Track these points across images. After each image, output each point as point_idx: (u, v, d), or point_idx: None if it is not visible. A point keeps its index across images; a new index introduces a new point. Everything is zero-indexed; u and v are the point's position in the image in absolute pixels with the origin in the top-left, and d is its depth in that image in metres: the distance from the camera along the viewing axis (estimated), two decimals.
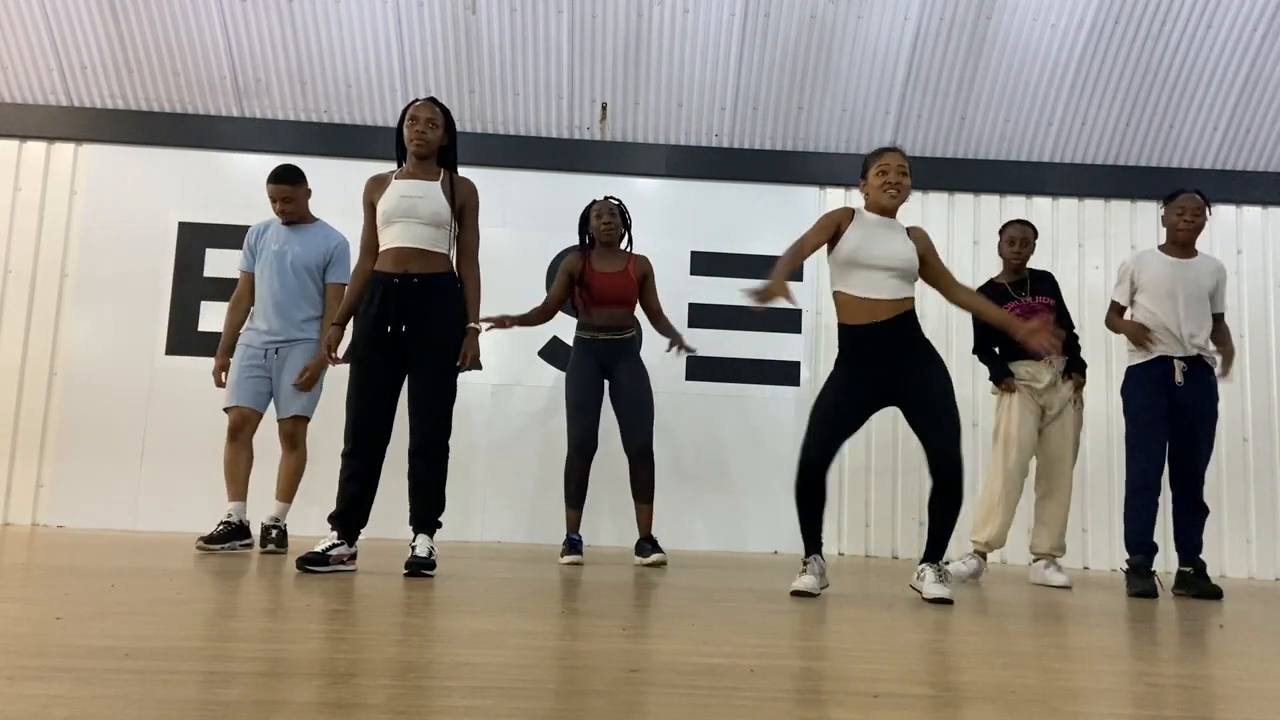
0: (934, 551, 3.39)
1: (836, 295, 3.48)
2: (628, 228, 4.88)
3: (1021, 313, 4.61)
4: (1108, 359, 6.34)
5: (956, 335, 6.16)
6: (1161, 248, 4.50)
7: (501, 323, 4.44)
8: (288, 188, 4.49)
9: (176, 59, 6.26)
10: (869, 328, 3.38)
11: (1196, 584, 4.21)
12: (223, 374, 4.51)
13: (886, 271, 3.39)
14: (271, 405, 4.51)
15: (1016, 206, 6.50)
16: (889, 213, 3.51)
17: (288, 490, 4.45)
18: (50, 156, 6.31)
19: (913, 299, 3.46)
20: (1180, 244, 4.43)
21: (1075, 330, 4.92)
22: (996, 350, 4.79)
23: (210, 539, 4.27)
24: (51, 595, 2.43)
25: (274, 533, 4.34)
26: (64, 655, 1.61)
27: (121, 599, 2.41)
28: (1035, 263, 4.88)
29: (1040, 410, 4.73)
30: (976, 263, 6.38)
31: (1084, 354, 4.98)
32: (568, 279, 4.79)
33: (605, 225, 4.77)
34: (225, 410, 4.45)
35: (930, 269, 3.53)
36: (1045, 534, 4.75)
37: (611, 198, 4.91)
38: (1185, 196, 4.42)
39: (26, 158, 6.30)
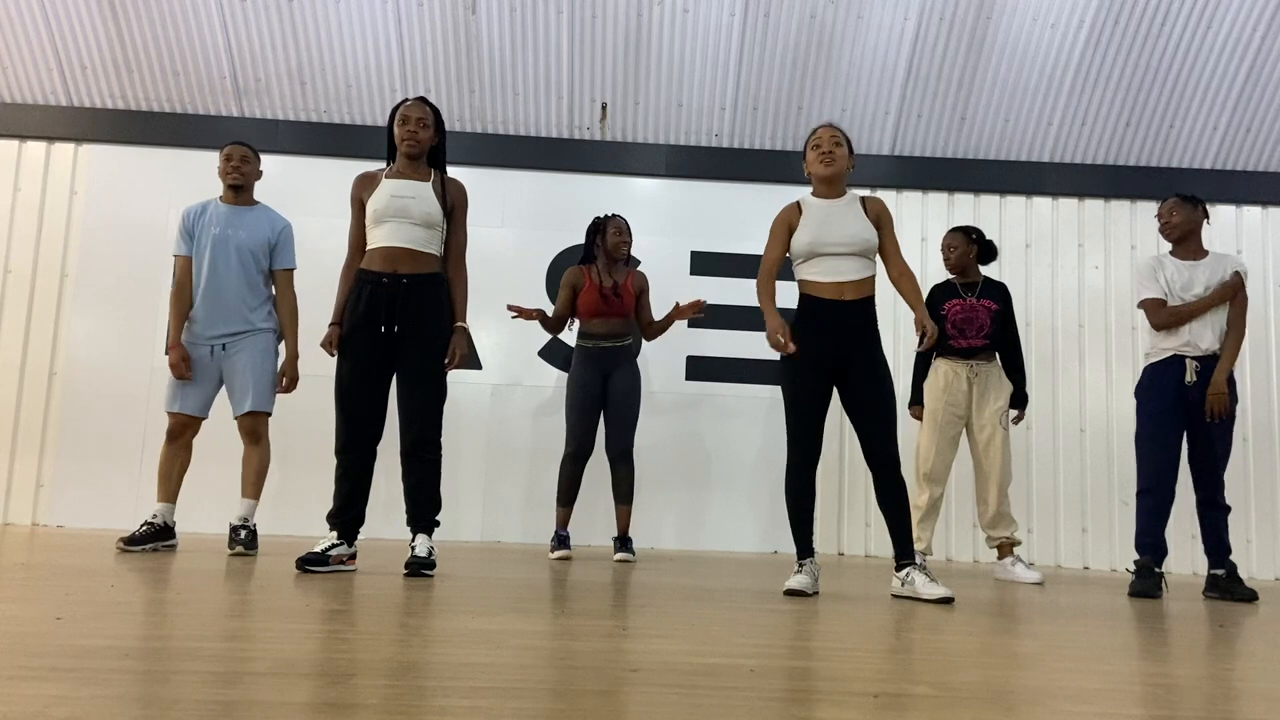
0: (906, 550, 3.37)
1: (801, 283, 3.47)
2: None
3: (960, 311, 4.78)
4: (1106, 360, 6.35)
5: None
6: (1172, 252, 4.51)
7: (530, 315, 4.76)
8: (248, 149, 4.39)
9: (176, 59, 6.26)
10: (835, 304, 3.38)
11: (1230, 587, 4.17)
12: (184, 364, 4.20)
13: (848, 255, 3.39)
14: (219, 404, 4.32)
15: (1017, 206, 6.51)
16: (834, 186, 3.49)
17: (255, 487, 4.23)
18: (50, 156, 6.31)
19: (874, 278, 3.46)
20: (1180, 245, 4.44)
21: (1021, 350, 4.96)
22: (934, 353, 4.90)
23: (132, 540, 4.10)
24: (51, 595, 2.43)
25: (243, 533, 4.13)
26: (64, 655, 1.61)
27: (121, 599, 2.41)
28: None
29: (958, 422, 4.81)
30: None
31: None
32: (571, 292, 4.99)
33: (624, 242, 5.00)
34: (168, 412, 4.25)
35: (882, 232, 3.49)
36: (984, 511, 4.82)
37: (619, 215, 5.12)
38: (1162, 203, 4.51)
39: (26, 158, 6.30)
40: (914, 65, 6.29)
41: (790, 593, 3.28)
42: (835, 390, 3.45)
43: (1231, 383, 4.29)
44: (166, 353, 4.31)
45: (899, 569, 3.39)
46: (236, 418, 4.27)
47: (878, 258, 3.51)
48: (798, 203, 3.53)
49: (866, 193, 3.62)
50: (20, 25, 6.15)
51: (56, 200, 6.27)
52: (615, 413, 4.90)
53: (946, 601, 3.22)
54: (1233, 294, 4.31)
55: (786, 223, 3.49)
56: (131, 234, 6.21)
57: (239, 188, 4.37)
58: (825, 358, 3.36)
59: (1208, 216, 4.46)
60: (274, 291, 4.41)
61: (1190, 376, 4.26)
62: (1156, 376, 4.35)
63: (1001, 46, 6.27)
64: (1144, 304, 4.43)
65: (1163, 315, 4.34)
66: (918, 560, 3.42)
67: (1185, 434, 4.33)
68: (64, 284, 6.20)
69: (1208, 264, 4.36)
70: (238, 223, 4.32)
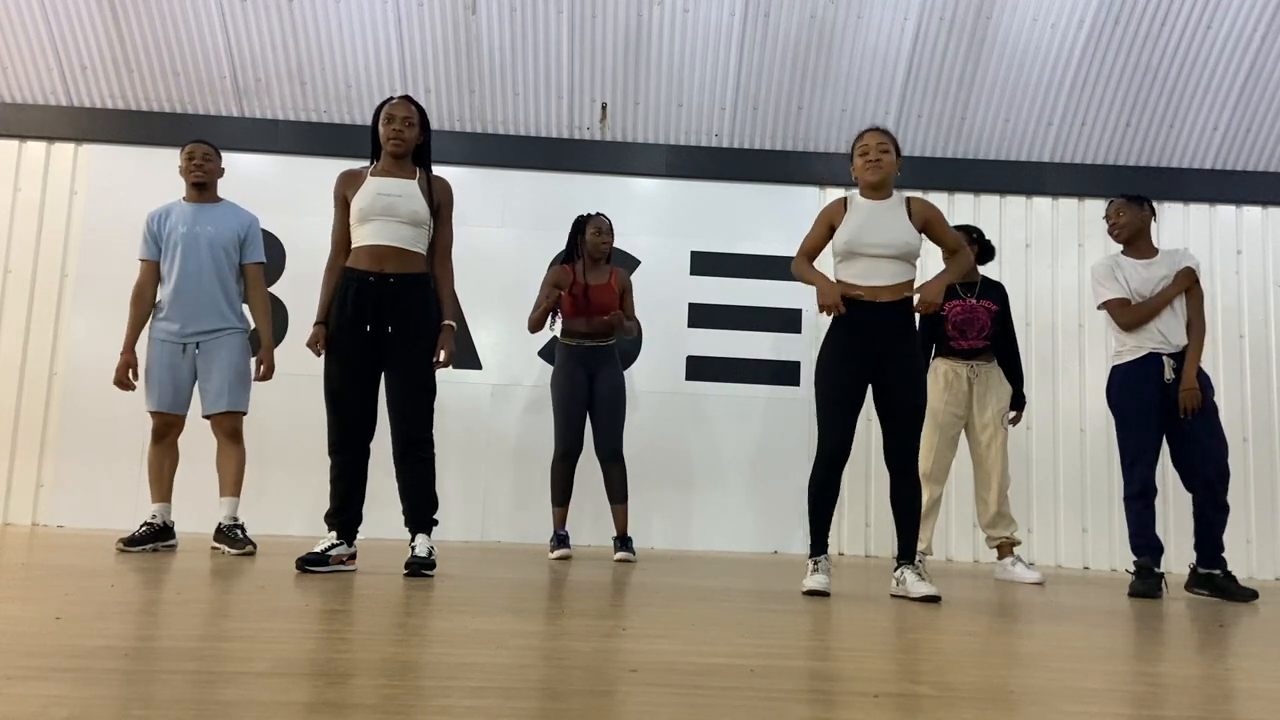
0: (906, 551, 3.41)
1: (839, 283, 3.48)
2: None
3: (960, 312, 4.79)
4: (1107, 360, 6.33)
5: None
6: (1124, 253, 4.51)
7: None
8: (209, 147, 4.39)
9: (176, 59, 6.26)
10: (870, 305, 3.40)
11: (1228, 587, 4.14)
12: (129, 371, 4.21)
13: (885, 258, 3.40)
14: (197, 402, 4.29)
15: (1017, 206, 6.51)
16: (881, 190, 3.50)
17: (236, 486, 4.23)
18: (50, 156, 6.31)
19: (912, 281, 3.47)
20: (1131, 246, 4.45)
21: (1019, 351, 4.96)
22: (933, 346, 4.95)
23: (131, 540, 4.11)
24: (51, 595, 2.43)
25: (237, 532, 4.16)
26: (64, 655, 1.61)
27: (121, 599, 2.41)
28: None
29: (958, 422, 4.84)
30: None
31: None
32: (555, 290, 4.93)
33: (604, 242, 4.96)
34: (150, 413, 4.24)
35: (934, 233, 3.54)
36: (984, 511, 4.85)
37: (603, 214, 5.08)
38: (1109, 204, 4.53)
39: (26, 158, 6.30)
40: (914, 65, 6.28)
41: (810, 593, 3.28)
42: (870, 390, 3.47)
43: (1205, 377, 4.29)
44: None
45: (895, 569, 3.42)
46: (211, 416, 4.25)
47: (918, 262, 3.53)
48: (845, 200, 3.56)
49: (916, 194, 3.63)
50: (20, 25, 6.15)
51: (56, 200, 6.27)
52: (603, 413, 4.85)
53: (932, 600, 3.24)
54: (1189, 286, 4.30)
55: (830, 218, 3.53)
56: (131, 234, 6.18)
57: (202, 185, 4.37)
58: (861, 358, 3.39)
59: (1155, 215, 4.48)
60: (243, 287, 4.41)
61: (1169, 374, 4.24)
62: (1130, 378, 4.32)
63: (1001, 46, 6.26)
64: (1108, 305, 4.40)
65: (1129, 314, 4.33)
66: (915, 560, 3.44)
67: (1166, 433, 4.31)
68: (64, 284, 6.20)
69: (1161, 261, 4.37)
70: (205, 219, 4.31)
